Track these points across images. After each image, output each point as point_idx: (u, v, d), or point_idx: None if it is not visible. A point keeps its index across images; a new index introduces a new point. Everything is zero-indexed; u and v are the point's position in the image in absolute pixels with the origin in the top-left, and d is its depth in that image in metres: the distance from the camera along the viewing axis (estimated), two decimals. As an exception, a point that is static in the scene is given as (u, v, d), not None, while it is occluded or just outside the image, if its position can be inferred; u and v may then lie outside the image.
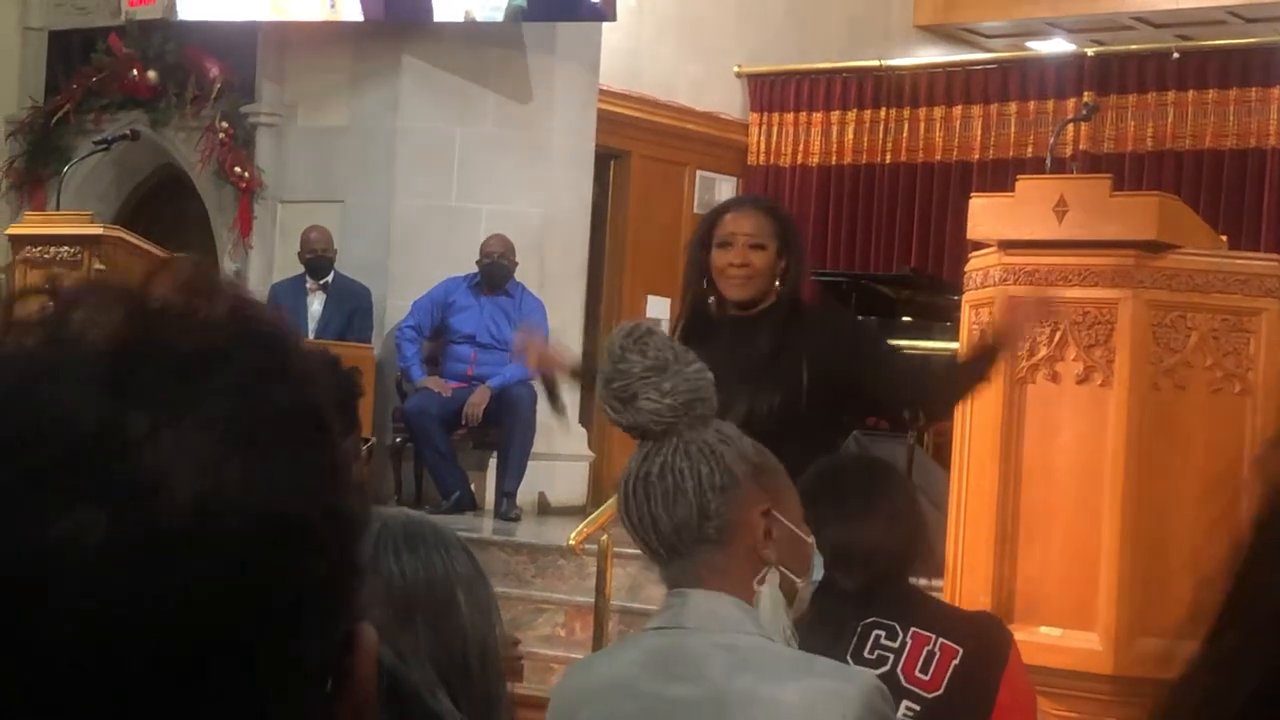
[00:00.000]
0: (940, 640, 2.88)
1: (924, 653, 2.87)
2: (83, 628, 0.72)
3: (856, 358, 4.18)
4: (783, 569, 2.14)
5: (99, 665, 0.72)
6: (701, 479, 2.10)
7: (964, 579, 4.48)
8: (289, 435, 0.78)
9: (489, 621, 1.50)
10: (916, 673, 2.86)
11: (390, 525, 1.50)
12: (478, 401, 8.67)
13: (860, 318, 4.54)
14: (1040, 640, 4.25)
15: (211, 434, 0.75)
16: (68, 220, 7.51)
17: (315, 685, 0.79)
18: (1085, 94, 10.79)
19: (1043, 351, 4.37)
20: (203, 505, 0.74)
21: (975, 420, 4.54)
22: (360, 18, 9.42)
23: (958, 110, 11.58)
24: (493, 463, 9.01)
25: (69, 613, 0.72)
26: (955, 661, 2.87)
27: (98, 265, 7.06)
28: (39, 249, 7.19)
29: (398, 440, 9.01)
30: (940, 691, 2.83)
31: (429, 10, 9.29)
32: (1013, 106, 11.37)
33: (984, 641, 2.94)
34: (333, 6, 9.47)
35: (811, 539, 2.25)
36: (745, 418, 3.98)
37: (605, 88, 10.40)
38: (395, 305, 9.38)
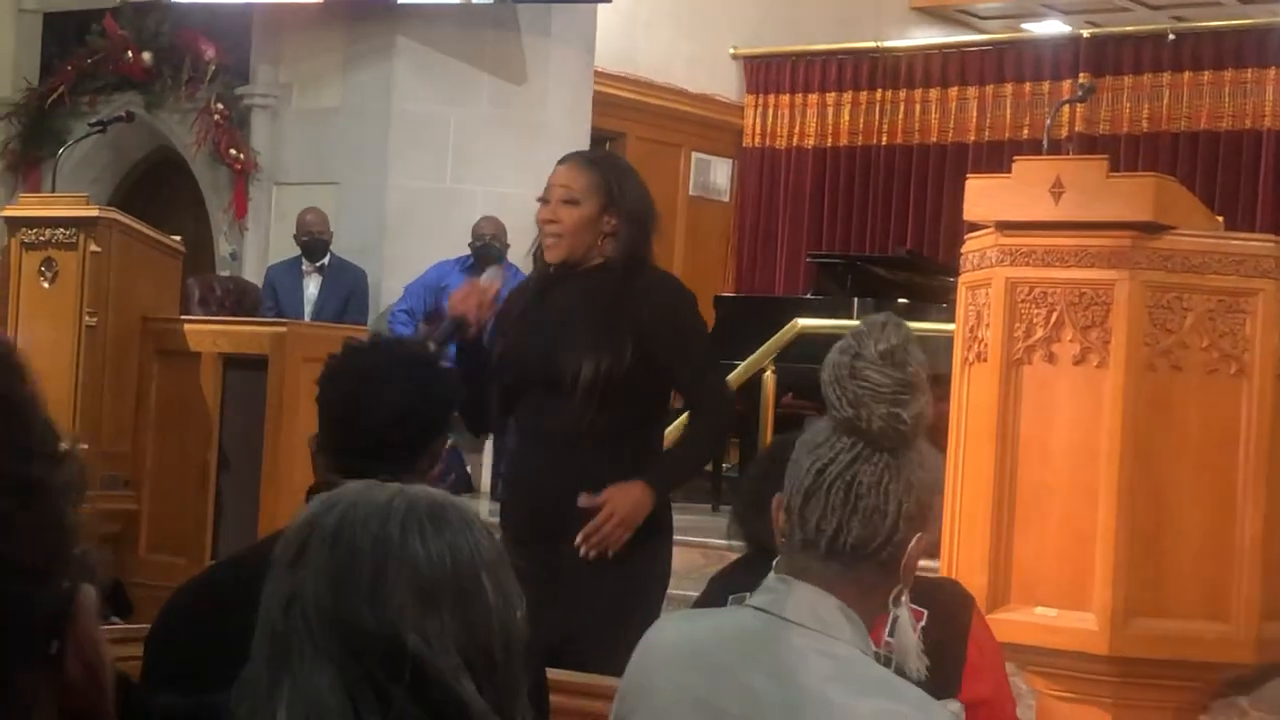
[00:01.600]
0: None
1: (890, 617, 2.89)
2: None
3: (677, 349, 3.92)
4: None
5: None
6: (903, 507, 2.05)
7: (959, 559, 4.48)
8: None
9: (511, 606, 1.48)
10: (886, 637, 2.88)
11: (416, 506, 1.48)
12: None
13: (697, 318, 4.14)
14: (1036, 620, 4.26)
15: None
16: (64, 202, 7.49)
17: (35, 648, 0.86)
18: (1081, 75, 10.79)
19: (1039, 333, 4.37)
20: None
21: (971, 401, 4.54)
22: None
23: (953, 92, 11.58)
24: (489, 445, 9.01)
25: None
26: (921, 624, 2.88)
27: (94, 247, 7.04)
28: (35, 231, 7.17)
29: (394, 422, 9.00)
30: None
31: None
32: (1008, 88, 11.37)
33: (946, 603, 2.96)
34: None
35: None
36: (568, 381, 3.83)
37: (600, 69, 10.39)
38: (390, 287, 9.37)
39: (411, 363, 2.83)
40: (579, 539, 3.81)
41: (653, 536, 3.92)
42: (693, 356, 4.00)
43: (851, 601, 2.06)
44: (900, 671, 2.14)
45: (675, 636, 2.14)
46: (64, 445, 1.00)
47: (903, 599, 2.11)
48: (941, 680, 2.84)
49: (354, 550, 1.46)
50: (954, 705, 2.12)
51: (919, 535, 2.09)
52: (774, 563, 2.13)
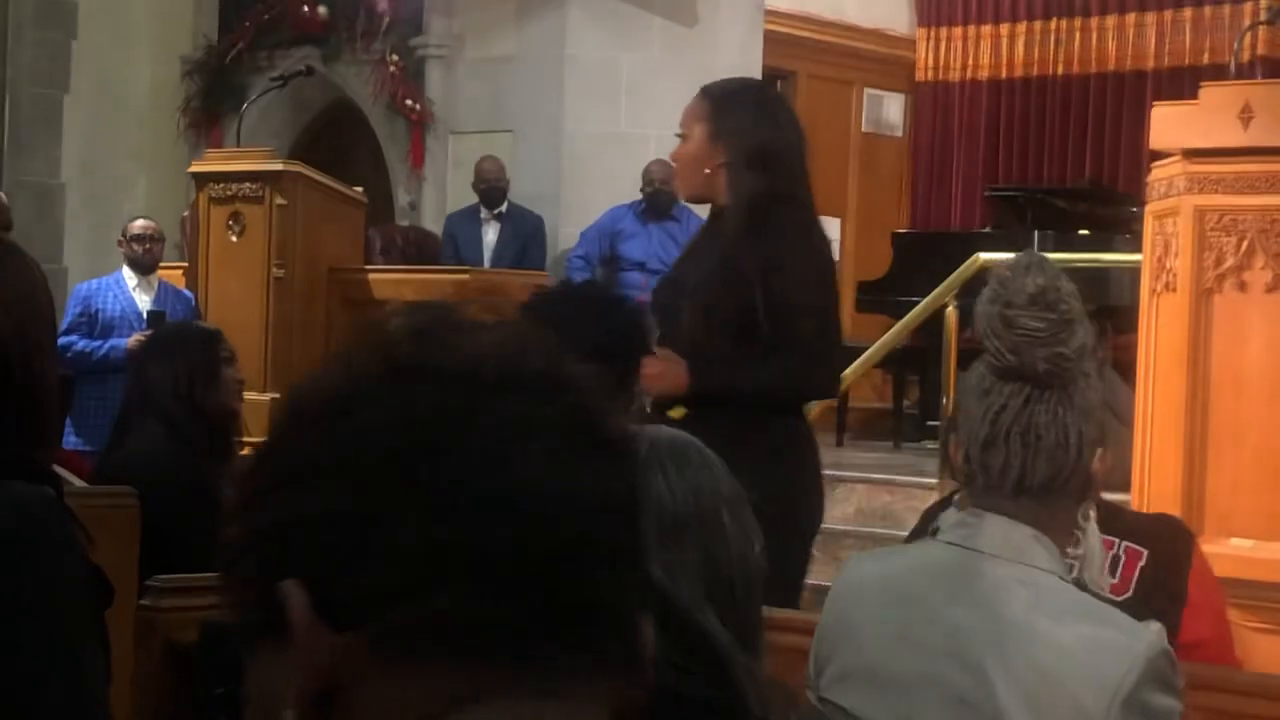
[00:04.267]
0: (1124, 544, 2.86)
1: (1109, 557, 2.85)
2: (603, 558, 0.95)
3: (771, 311, 3.55)
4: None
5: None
6: (1083, 436, 2.08)
7: (1151, 492, 4.44)
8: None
9: (750, 542, 1.52)
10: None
11: (658, 445, 1.52)
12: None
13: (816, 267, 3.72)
14: (1231, 552, 4.20)
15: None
16: (249, 156, 7.65)
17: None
18: (1264, -3, 10.53)
19: (1230, 261, 4.30)
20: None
21: (1160, 332, 4.49)
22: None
23: (1131, 19, 11.36)
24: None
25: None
26: (1141, 563, 2.85)
27: (279, 200, 7.19)
28: (222, 186, 7.34)
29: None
30: (1129, 594, 2.82)
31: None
32: (1187, 13, 11.13)
33: (1168, 542, 2.92)
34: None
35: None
36: (690, 331, 3.60)
37: (771, 8, 10.34)
38: (567, 233, 9.45)
39: (601, 303, 2.87)
40: None
41: (788, 491, 3.58)
42: (782, 326, 3.62)
43: (1043, 528, 2.08)
44: (1080, 584, 2.15)
45: (871, 574, 2.16)
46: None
47: (1090, 513, 2.12)
48: (1162, 620, 2.82)
49: None
50: (1155, 626, 2.12)
51: (1099, 451, 2.12)
52: (954, 499, 2.14)
